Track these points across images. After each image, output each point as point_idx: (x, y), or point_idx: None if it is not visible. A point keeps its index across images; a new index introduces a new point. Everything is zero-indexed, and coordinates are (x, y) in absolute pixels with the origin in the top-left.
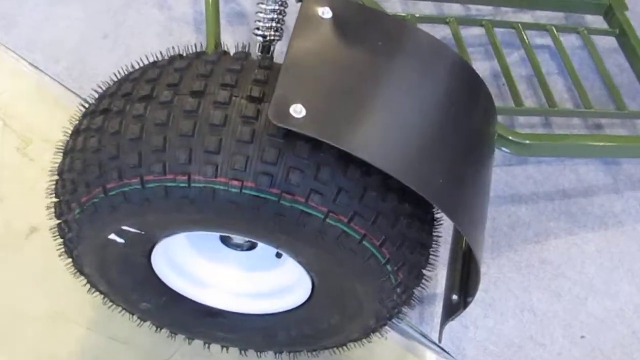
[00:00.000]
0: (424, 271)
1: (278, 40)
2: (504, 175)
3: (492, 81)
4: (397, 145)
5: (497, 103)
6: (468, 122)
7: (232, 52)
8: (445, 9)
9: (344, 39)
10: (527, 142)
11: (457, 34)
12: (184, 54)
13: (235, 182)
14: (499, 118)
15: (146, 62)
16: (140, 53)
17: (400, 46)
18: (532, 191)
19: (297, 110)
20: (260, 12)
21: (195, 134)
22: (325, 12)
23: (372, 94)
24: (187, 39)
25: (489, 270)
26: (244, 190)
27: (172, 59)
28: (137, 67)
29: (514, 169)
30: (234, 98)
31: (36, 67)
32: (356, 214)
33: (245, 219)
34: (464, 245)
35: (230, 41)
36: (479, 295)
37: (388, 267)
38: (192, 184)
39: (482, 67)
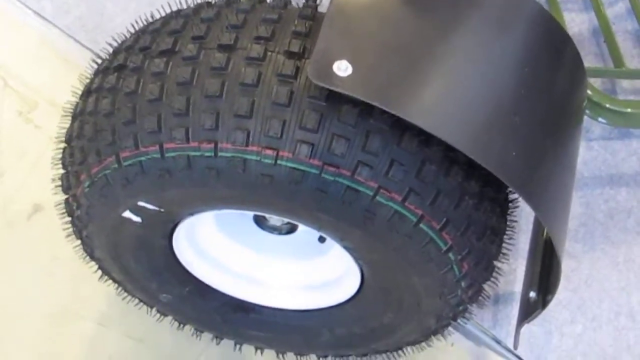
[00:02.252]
0: (496, 263)
1: None
2: (602, 151)
3: (590, 38)
4: (462, 111)
5: (596, 63)
6: (550, 86)
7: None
8: None
9: None
10: (629, 110)
11: None
12: (213, 2)
13: (270, 152)
14: (598, 82)
15: (169, 12)
16: (164, 1)
17: (473, 9)
18: (636, 171)
19: (343, 68)
20: None
21: (223, 95)
22: None
23: (434, 50)
24: None
25: (580, 265)
26: (279, 161)
27: (199, 7)
28: (158, 17)
29: (613, 143)
30: (269, 53)
31: (43, 18)
32: (412, 191)
33: (282, 196)
34: (544, 233)
35: None
36: (566, 296)
37: (450, 255)
38: (220, 154)
39: (578, 20)
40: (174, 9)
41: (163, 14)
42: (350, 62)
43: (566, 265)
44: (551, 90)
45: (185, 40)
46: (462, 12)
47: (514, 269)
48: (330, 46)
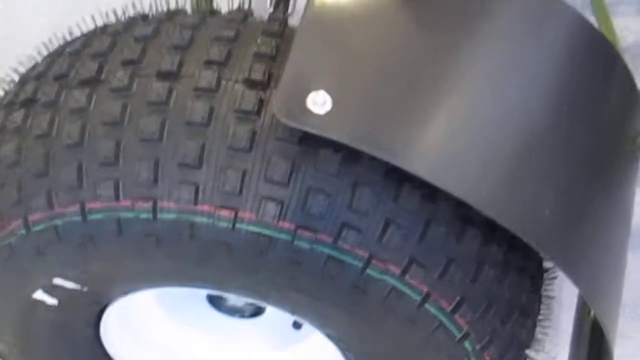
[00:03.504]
0: (529, 352)
1: None
2: None
3: None
4: (477, 155)
5: None
6: (594, 117)
7: (224, 9)
8: None
9: None
10: None
11: None
12: (150, 14)
13: (226, 212)
14: None
15: (92, 26)
16: (85, 8)
17: (488, 5)
18: None
19: (320, 102)
20: None
21: (164, 138)
22: None
23: (439, 74)
24: None
25: (638, 351)
26: (238, 225)
27: (131, 21)
28: (77, 33)
29: None
30: (224, 82)
31: None
32: (414, 261)
33: (242, 269)
34: (591, 312)
35: None
36: None
37: (467, 344)
38: (160, 215)
39: (635, 27)
40: (99, 22)
41: (84, 30)
42: (329, 93)
43: (620, 350)
44: (595, 122)
45: (114, 66)
46: (476, 25)
47: (553, 358)
48: (304, 73)
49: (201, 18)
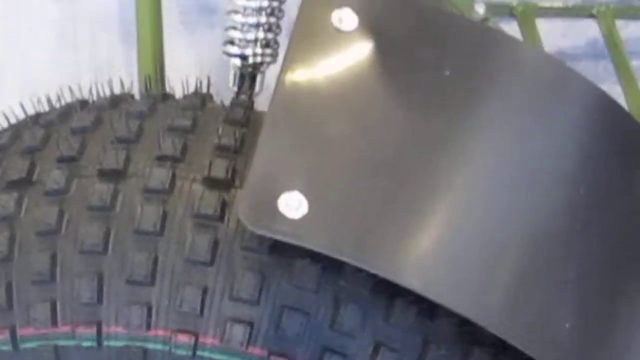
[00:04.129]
0: None
1: (270, 64)
2: None
3: None
4: (479, 263)
5: None
6: (620, 212)
7: (179, 92)
8: None
9: (380, 67)
10: None
11: (612, 34)
12: (90, 100)
13: (184, 338)
14: None
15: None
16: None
17: (485, 76)
18: None
19: (294, 204)
20: (236, 12)
21: (108, 249)
22: (345, 19)
23: (432, 167)
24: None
25: None
26: (200, 352)
27: (68, 109)
28: (3, 123)
29: None
30: (179, 181)
31: None
32: None
33: None
34: None
35: (185, 64)
36: None
37: None
38: (106, 342)
39: None
40: (29, 108)
41: (11, 119)
42: (304, 194)
43: None
44: (623, 219)
45: (48, 164)
46: (479, 104)
47: None
48: (274, 170)
49: (151, 104)
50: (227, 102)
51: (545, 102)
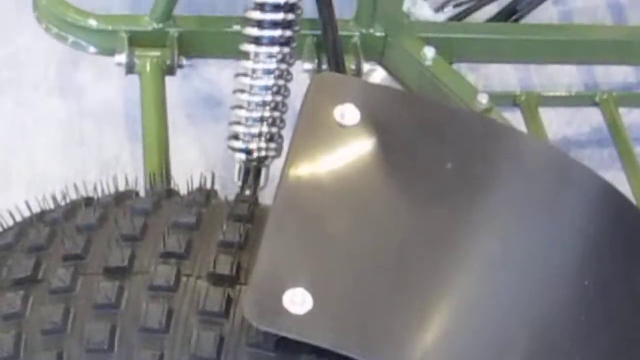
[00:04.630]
0: None
1: (274, 158)
2: None
3: None
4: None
5: None
6: (625, 306)
7: (184, 188)
8: (585, 75)
9: (382, 161)
10: None
11: (615, 122)
12: (95, 197)
13: None
14: None
15: (27, 212)
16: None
17: (488, 169)
18: None
19: (298, 301)
20: (241, 107)
21: (115, 348)
22: (348, 114)
23: (438, 261)
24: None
25: None
26: None
27: (73, 207)
28: (9, 220)
29: None
30: (184, 278)
31: None
32: None
33: None
34: None
35: (191, 157)
36: None
37: None
38: None
39: None
40: (33, 204)
41: (18, 216)
42: (309, 290)
43: None
44: (628, 309)
45: (54, 262)
46: (483, 199)
47: None
48: (279, 266)
49: (156, 201)
50: (232, 195)
51: (549, 194)
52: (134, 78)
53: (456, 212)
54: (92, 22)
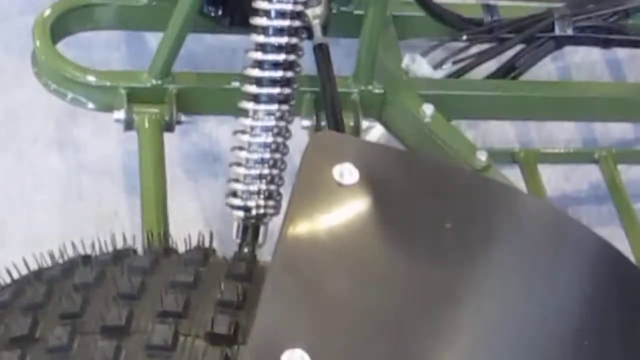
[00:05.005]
0: None
1: (273, 216)
2: None
3: None
4: None
5: None
6: None
7: (183, 245)
8: (584, 131)
9: (381, 221)
10: None
11: (614, 179)
12: (93, 255)
13: None
14: None
15: (24, 271)
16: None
17: (487, 229)
18: None
19: None
20: (239, 165)
21: None
22: (347, 173)
23: (437, 324)
24: (107, 209)
25: None
26: None
27: (71, 265)
28: (6, 277)
29: None
30: (181, 338)
31: None
32: None
33: None
34: None
35: (188, 212)
36: None
37: None
38: None
39: None
40: (32, 263)
41: (14, 274)
42: (307, 352)
43: None
44: None
45: (51, 321)
46: (482, 260)
47: None
48: (277, 326)
49: (154, 260)
50: (230, 251)
51: (548, 254)
52: (132, 132)
53: (454, 274)
54: (91, 78)
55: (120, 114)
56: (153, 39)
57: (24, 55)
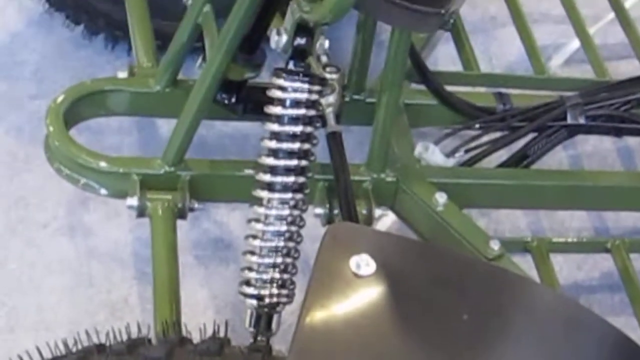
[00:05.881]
0: None
1: (286, 305)
2: None
3: None
4: None
5: None
6: None
7: (197, 334)
8: (595, 219)
9: (398, 312)
10: None
11: (626, 268)
12: (107, 343)
13: None
14: None
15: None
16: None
17: (502, 319)
18: None
19: None
20: (253, 253)
21: None
22: (363, 264)
23: None
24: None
25: None
26: None
27: (85, 354)
28: None
29: None
30: None
31: None
32: None
33: None
34: None
35: (200, 299)
36: None
37: None
38: None
39: None
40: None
41: None
42: None
43: None
44: None
45: None
46: (494, 348)
47: None
48: None
49: (168, 350)
50: (242, 339)
51: (562, 344)
52: (143, 218)
53: None
54: (104, 165)
55: (134, 201)
56: (164, 125)
57: (34, 140)
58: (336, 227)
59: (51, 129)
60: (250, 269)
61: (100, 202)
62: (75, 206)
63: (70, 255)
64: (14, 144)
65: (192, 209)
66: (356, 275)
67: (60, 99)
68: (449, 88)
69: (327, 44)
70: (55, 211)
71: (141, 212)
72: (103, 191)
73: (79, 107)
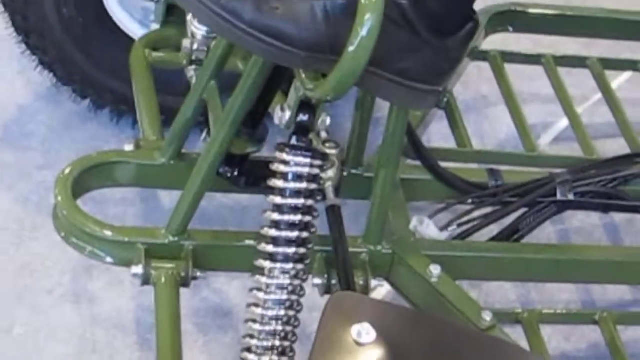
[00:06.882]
0: None
1: None
2: None
3: None
4: None
5: None
6: None
7: None
8: (582, 292)
9: None
10: None
11: (614, 340)
12: None
13: None
14: None
15: None
16: None
17: None
18: None
19: None
20: (254, 321)
21: None
22: (364, 333)
23: None
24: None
25: None
26: None
27: None
28: None
29: None
30: None
31: None
32: None
33: None
34: None
35: None
36: None
37: None
38: None
39: None
40: None
41: None
42: None
43: None
44: None
45: None
46: None
47: None
48: None
49: None
50: None
51: None
52: (145, 286)
53: None
54: (110, 234)
55: (139, 269)
56: (166, 196)
57: (40, 209)
58: (338, 296)
59: (59, 198)
60: (251, 336)
61: (103, 269)
62: (79, 273)
63: (75, 321)
64: (21, 212)
65: (194, 278)
66: (357, 343)
67: (68, 170)
68: (443, 164)
69: (328, 120)
70: (60, 278)
71: (146, 280)
72: (109, 259)
73: (86, 178)
